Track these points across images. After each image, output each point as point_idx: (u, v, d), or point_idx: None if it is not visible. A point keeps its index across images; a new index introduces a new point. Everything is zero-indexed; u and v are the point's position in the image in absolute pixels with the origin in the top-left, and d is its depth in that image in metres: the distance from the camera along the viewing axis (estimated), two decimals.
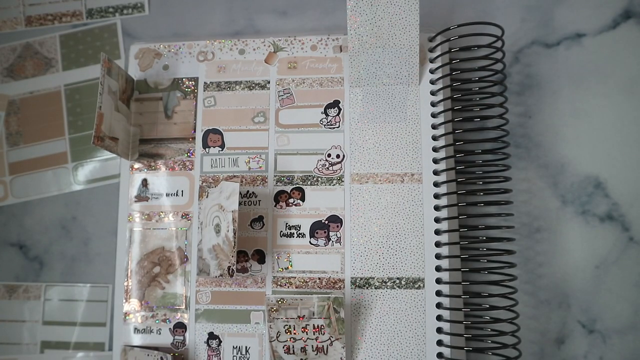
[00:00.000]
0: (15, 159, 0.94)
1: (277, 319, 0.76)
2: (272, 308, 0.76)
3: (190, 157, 0.86)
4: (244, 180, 0.85)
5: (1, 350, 0.89)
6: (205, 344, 0.82)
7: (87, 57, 0.96)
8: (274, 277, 0.82)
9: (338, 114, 0.85)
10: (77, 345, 0.88)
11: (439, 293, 0.79)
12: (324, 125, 0.85)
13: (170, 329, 0.83)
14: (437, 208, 0.80)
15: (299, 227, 0.83)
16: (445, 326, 0.78)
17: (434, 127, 0.82)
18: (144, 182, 0.86)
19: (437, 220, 0.80)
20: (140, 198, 0.86)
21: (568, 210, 0.84)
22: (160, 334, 0.83)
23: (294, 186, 0.84)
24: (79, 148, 0.93)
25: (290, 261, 0.82)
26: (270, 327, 0.77)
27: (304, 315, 0.76)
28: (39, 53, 0.96)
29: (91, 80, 0.95)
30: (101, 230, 0.91)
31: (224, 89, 0.88)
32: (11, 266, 0.92)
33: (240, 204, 0.81)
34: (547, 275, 0.83)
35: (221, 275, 0.76)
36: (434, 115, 0.82)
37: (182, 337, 0.83)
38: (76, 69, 0.96)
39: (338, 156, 0.83)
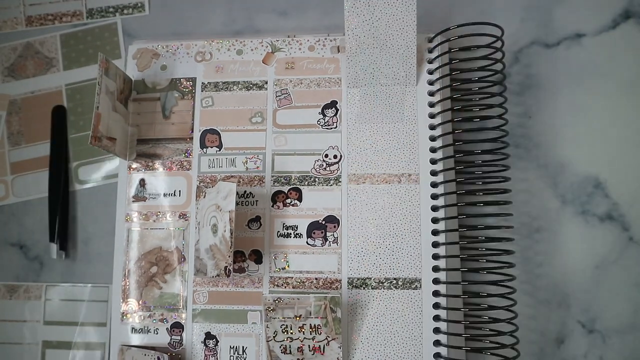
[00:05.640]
0: (17, 159, 0.94)
1: (274, 318, 0.76)
2: (269, 307, 0.76)
3: (187, 157, 0.87)
4: (241, 180, 0.85)
5: (2, 350, 0.90)
6: (202, 344, 0.82)
7: (88, 56, 0.96)
8: (271, 277, 0.82)
9: (335, 115, 0.85)
10: (77, 345, 0.88)
11: (436, 293, 0.79)
12: (322, 125, 0.85)
13: (167, 328, 0.83)
14: (434, 208, 0.80)
15: (296, 228, 0.83)
16: (443, 326, 0.78)
17: (432, 127, 0.82)
18: (142, 182, 0.87)
19: (434, 220, 0.80)
20: (137, 198, 0.87)
21: (568, 210, 0.84)
22: (157, 333, 0.83)
23: (291, 186, 0.84)
24: (80, 148, 0.93)
25: (288, 261, 0.82)
26: (267, 327, 0.77)
27: (301, 315, 0.76)
28: (39, 53, 0.97)
29: (92, 80, 0.95)
30: (101, 230, 0.91)
31: (222, 89, 0.88)
32: (11, 266, 0.92)
33: (237, 204, 0.81)
34: (547, 275, 0.83)
35: (218, 275, 0.76)
36: (432, 116, 0.82)
37: (179, 337, 0.83)
38: (77, 69, 0.96)
39: (335, 156, 0.83)
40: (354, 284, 0.80)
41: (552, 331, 0.82)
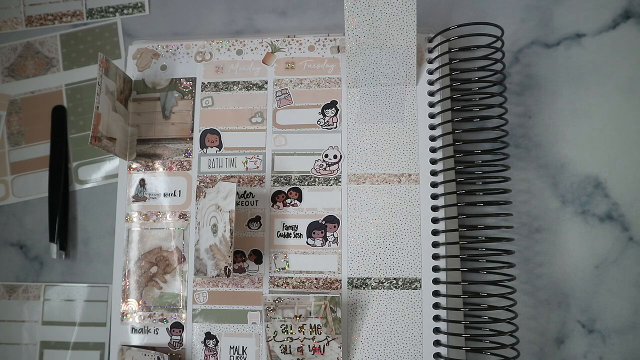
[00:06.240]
0: (17, 159, 0.94)
1: (274, 318, 0.76)
2: (269, 307, 0.76)
3: (187, 157, 0.86)
4: (241, 180, 0.85)
5: (1, 350, 0.89)
6: (203, 344, 0.82)
7: (88, 56, 0.96)
8: (271, 277, 0.82)
9: (335, 115, 0.84)
10: (76, 345, 0.88)
11: (436, 293, 0.79)
12: (322, 125, 0.84)
13: (167, 328, 0.83)
14: (434, 208, 0.80)
15: (296, 228, 0.83)
16: (443, 326, 0.78)
17: (432, 127, 0.82)
18: (142, 182, 0.87)
19: (434, 220, 0.80)
20: (137, 198, 0.86)
21: (568, 210, 0.84)
22: (157, 333, 0.83)
23: (291, 186, 0.84)
24: (80, 148, 0.93)
25: (288, 261, 0.82)
26: (267, 327, 0.77)
27: (301, 315, 0.76)
28: (39, 53, 0.97)
29: (92, 80, 0.95)
30: (101, 230, 0.91)
31: (222, 89, 0.88)
32: (11, 266, 0.92)
33: (237, 204, 0.81)
34: (547, 275, 0.83)
35: (218, 275, 0.76)
36: (432, 116, 0.82)
37: (179, 337, 0.83)
38: (77, 69, 0.96)
39: (335, 156, 0.83)
40: (354, 284, 0.80)
41: (552, 331, 0.82)
